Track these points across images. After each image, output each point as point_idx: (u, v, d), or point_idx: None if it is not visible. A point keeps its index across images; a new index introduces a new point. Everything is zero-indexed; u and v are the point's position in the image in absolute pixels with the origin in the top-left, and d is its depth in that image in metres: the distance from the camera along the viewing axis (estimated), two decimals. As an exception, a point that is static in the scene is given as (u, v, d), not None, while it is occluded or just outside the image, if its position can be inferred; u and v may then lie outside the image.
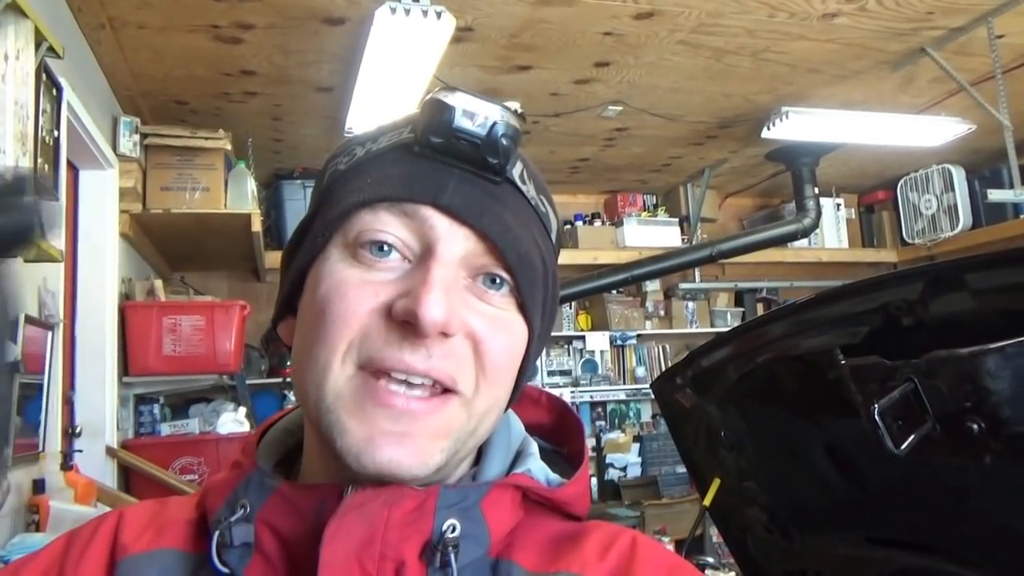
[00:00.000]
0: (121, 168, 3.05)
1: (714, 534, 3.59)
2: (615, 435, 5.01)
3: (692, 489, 4.07)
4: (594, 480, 4.91)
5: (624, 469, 4.90)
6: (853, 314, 1.00)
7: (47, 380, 2.15)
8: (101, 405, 2.84)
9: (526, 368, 0.52)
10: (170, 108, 3.37)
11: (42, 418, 2.11)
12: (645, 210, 5.19)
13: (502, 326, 0.49)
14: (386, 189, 0.48)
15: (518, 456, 0.54)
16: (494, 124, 0.47)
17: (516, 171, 0.51)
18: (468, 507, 0.47)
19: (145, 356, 3.04)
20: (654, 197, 5.30)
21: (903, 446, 0.83)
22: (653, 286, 5.17)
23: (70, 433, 2.68)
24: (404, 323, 0.45)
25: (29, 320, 2.00)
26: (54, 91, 2.16)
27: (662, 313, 5.20)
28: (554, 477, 0.54)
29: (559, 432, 0.59)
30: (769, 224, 4.71)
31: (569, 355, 5.09)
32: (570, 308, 5.04)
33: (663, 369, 5.04)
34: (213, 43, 2.78)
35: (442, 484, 0.48)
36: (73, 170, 2.86)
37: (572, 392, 4.93)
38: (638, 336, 5.12)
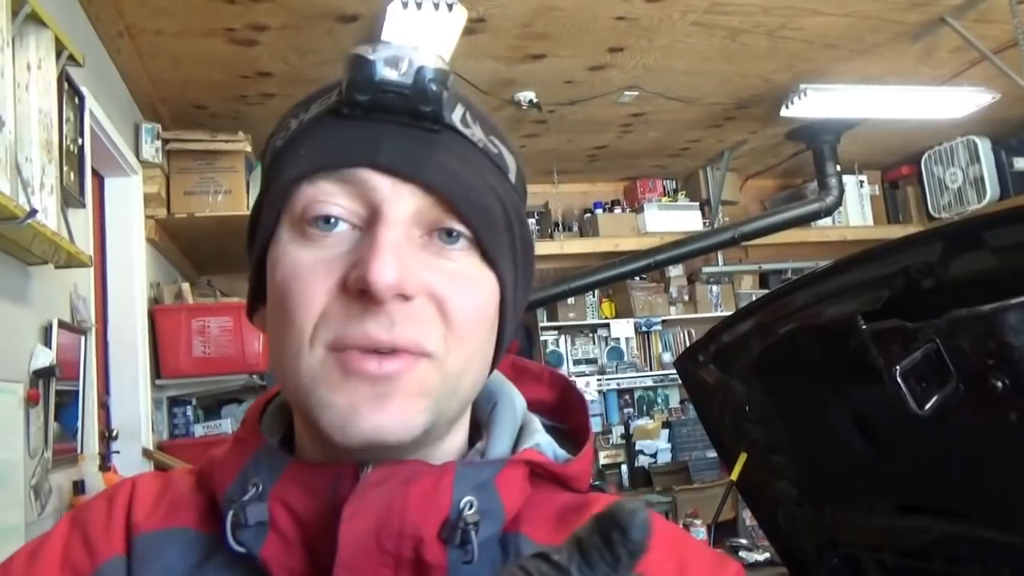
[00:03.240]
0: (145, 174, 3.10)
1: (747, 516, 3.57)
2: (644, 421, 5.01)
3: (723, 472, 4.06)
4: (624, 467, 4.91)
5: (654, 455, 4.89)
6: (873, 279, 0.99)
7: (83, 385, 2.20)
8: (135, 408, 2.90)
9: (505, 320, 0.50)
10: (190, 113, 3.41)
11: (79, 422, 2.16)
12: (665, 195, 5.16)
13: (465, 281, 0.47)
14: (320, 158, 0.46)
15: (522, 431, 0.54)
16: (420, 69, 0.44)
17: (456, 115, 0.48)
18: (484, 483, 0.46)
19: (176, 358, 3.09)
20: (674, 182, 5.27)
21: (927, 406, 0.83)
22: (676, 271, 5.15)
23: (107, 436, 2.73)
24: (360, 294, 0.43)
25: (63, 325, 2.05)
26: (76, 100, 2.21)
27: (686, 298, 5.17)
28: (561, 452, 0.53)
29: (561, 409, 0.58)
30: (791, 204, 4.66)
31: (594, 343, 5.09)
32: (593, 296, 5.04)
33: (689, 354, 5.02)
34: (229, 46, 2.81)
35: (457, 462, 0.48)
36: (99, 178, 2.91)
37: (599, 380, 4.93)
38: (663, 322, 5.10)
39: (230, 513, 0.46)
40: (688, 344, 5.13)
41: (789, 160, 4.96)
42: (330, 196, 0.45)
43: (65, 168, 2.06)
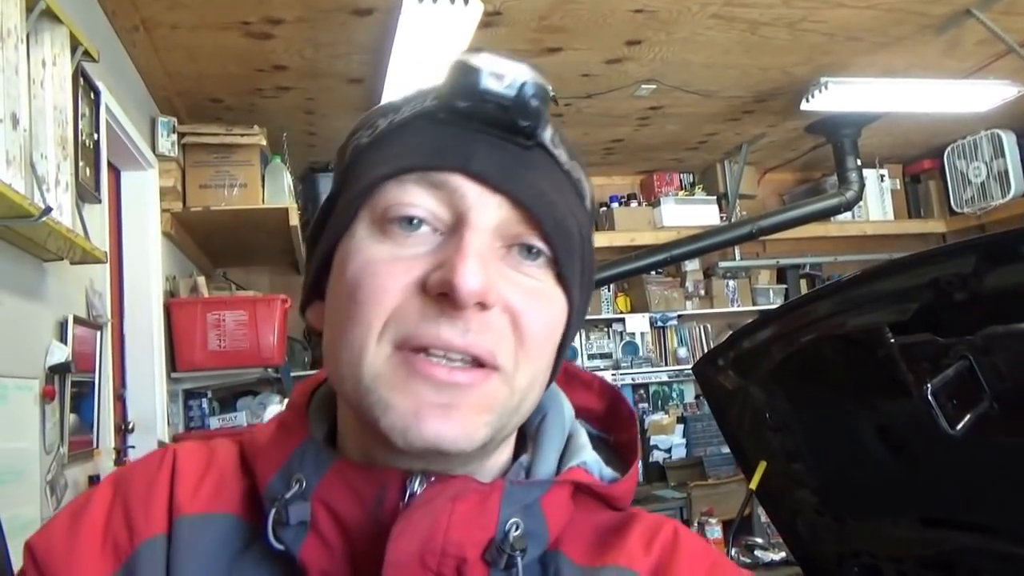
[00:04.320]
0: (161, 168, 3.10)
1: (762, 514, 3.54)
2: (658, 416, 4.98)
3: (738, 468, 4.03)
4: (639, 463, 4.88)
5: (669, 451, 4.87)
6: (902, 290, 0.96)
7: (98, 378, 2.21)
8: (151, 401, 2.91)
9: (566, 343, 0.50)
10: (205, 106, 3.41)
11: (95, 416, 2.16)
12: (682, 189, 5.12)
13: (541, 298, 0.46)
14: (412, 159, 0.45)
15: (568, 444, 0.52)
16: (523, 84, 0.44)
17: (547, 135, 0.48)
18: (530, 505, 0.46)
19: (191, 352, 3.10)
20: (691, 175, 5.22)
21: (959, 426, 0.80)
22: (693, 265, 5.10)
23: (123, 429, 2.75)
24: (440, 297, 0.43)
25: (78, 321, 2.05)
26: (92, 95, 2.20)
27: (703, 293, 5.13)
28: (607, 471, 0.52)
29: (608, 419, 0.57)
30: (811, 198, 4.60)
31: (609, 338, 5.06)
32: (608, 291, 5.00)
33: (705, 349, 4.99)
34: (244, 39, 2.80)
35: (507, 481, 0.47)
36: (115, 172, 2.92)
37: (613, 375, 4.90)
38: (679, 316, 5.06)
39: (272, 511, 0.45)
40: (703, 339, 5.10)
41: (808, 154, 4.90)
42: (416, 197, 0.45)
43: (81, 163, 2.06)
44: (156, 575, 0.46)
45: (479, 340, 0.43)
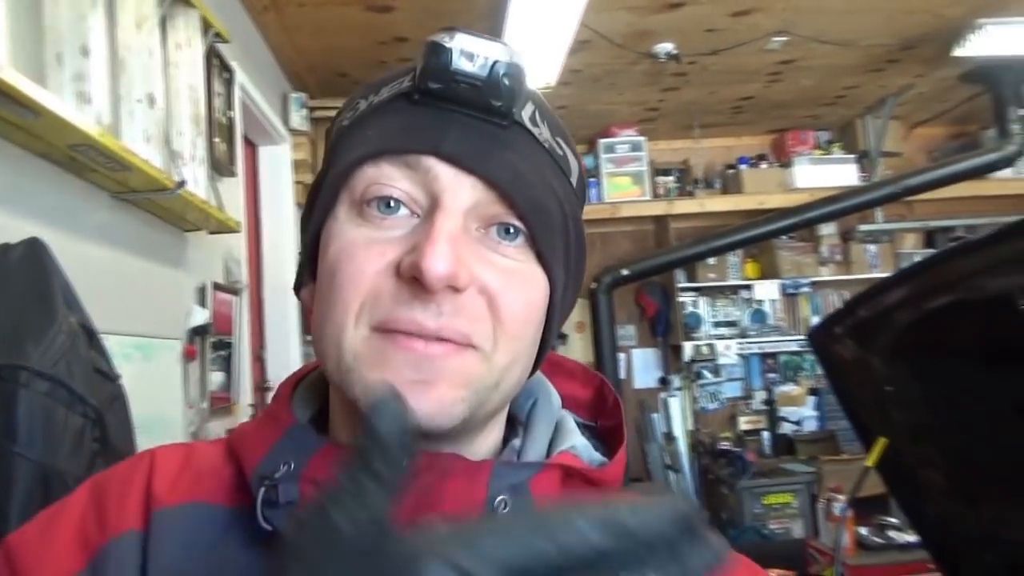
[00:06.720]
0: (294, 141, 3.28)
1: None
2: (788, 388, 4.78)
3: (875, 445, 3.81)
4: (766, 434, 4.72)
5: (799, 423, 4.67)
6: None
7: (237, 340, 2.38)
8: (288, 361, 3.11)
9: (552, 322, 0.49)
10: (333, 81, 3.54)
11: (234, 375, 2.34)
12: (818, 148, 4.82)
13: (518, 278, 0.46)
14: (386, 141, 0.46)
15: (556, 430, 0.52)
16: (495, 63, 0.44)
17: (526, 113, 0.47)
18: (518, 485, 0.46)
19: (324, 316, 3.26)
20: (828, 133, 4.90)
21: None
22: (828, 229, 4.81)
23: (262, 387, 2.96)
24: (412, 280, 0.43)
25: (217, 286, 2.21)
26: (226, 74, 2.34)
27: (839, 258, 4.83)
28: (596, 456, 0.51)
29: (594, 407, 0.57)
30: (965, 154, 4.19)
31: (736, 305, 4.89)
32: (736, 256, 4.82)
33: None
34: (366, 13, 2.88)
35: (495, 460, 0.47)
36: (251, 147, 3.10)
37: (739, 344, 4.74)
38: (812, 283, 4.80)
39: (262, 490, 0.46)
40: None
41: (963, 105, 4.47)
42: (392, 179, 0.45)
43: (216, 139, 2.20)
44: (126, 570, 0.46)
45: (452, 323, 0.44)
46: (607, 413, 0.56)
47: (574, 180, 0.51)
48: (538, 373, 0.54)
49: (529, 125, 0.47)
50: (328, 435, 0.51)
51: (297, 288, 0.53)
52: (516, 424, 0.53)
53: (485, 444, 0.50)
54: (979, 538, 1.29)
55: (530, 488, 0.46)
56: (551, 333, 0.50)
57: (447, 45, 0.44)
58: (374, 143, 0.46)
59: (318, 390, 0.55)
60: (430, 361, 0.44)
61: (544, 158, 0.48)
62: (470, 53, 0.44)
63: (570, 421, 0.53)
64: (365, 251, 0.45)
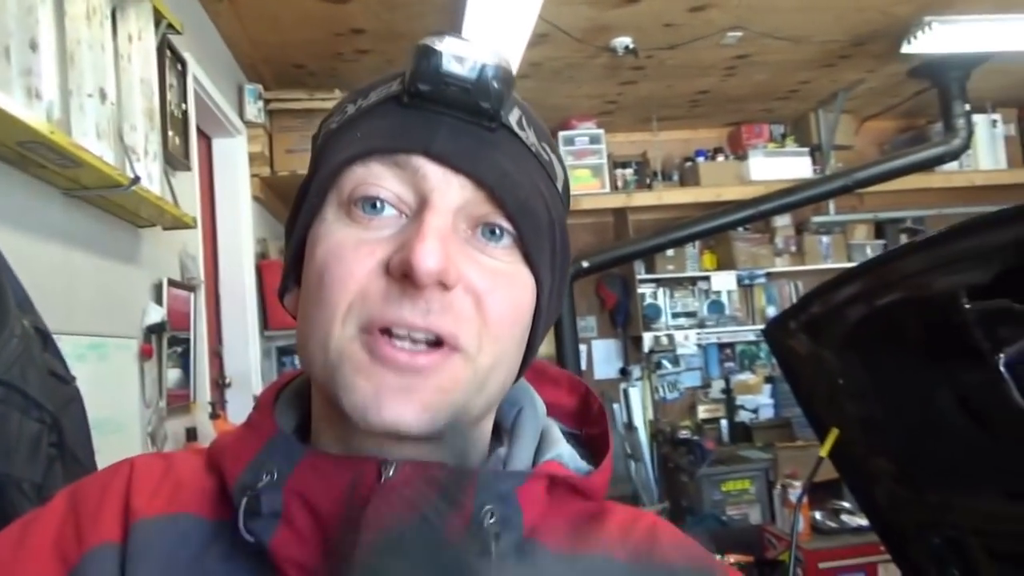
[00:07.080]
0: (249, 134, 3.22)
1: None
2: (745, 376, 4.88)
3: (828, 432, 3.91)
4: (724, 422, 4.82)
5: (755, 411, 4.78)
6: (984, 250, 0.89)
7: (193, 337, 2.34)
8: (246, 358, 3.07)
9: (538, 326, 0.50)
10: (289, 72, 3.49)
11: (191, 371, 2.30)
12: (772, 141, 4.90)
13: (505, 279, 0.47)
14: (375, 141, 0.46)
15: (542, 438, 0.53)
16: (483, 67, 0.45)
17: (513, 117, 0.48)
18: (505, 494, 0.46)
19: (283, 311, 3.20)
20: (782, 127, 4.99)
21: (1034, 399, 0.75)
22: (783, 221, 4.91)
23: (220, 384, 2.91)
24: (402, 278, 0.43)
25: (173, 283, 2.17)
26: (179, 66, 2.29)
27: (793, 249, 4.94)
28: (582, 464, 0.52)
29: (579, 415, 0.57)
30: (913, 148, 4.32)
31: (694, 296, 4.96)
32: (694, 247, 4.89)
33: (795, 308, 4.82)
34: (322, 4, 2.84)
35: (481, 469, 0.48)
36: (206, 139, 3.04)
37: (698, 334, 4.82)
38: (768, 274, 4.90)
39: (244, 500, 0.45)
40: (794, 298, 4.92)
41: (911, 100, 4.59)
42: (381, 179, 0.46)
43: (170, 133, 2.15)
44: None
45: (441, 320, 0.44)
46: (592, 421, 0.56)
47: (559, 185, 0.52)
48: (523, 381, 0.55)
49: (516, 129, 0.48)
50: (311, 444, 0.51)
51: (281, 295, 0.53)
52: (501, 433, 0.54)
53: (471, 452, 0.50)
54: (925, 522, 1.34)
55: (517, 496, 0.46)
56: (537, 338, 0.50)
57: (437, 48, 0.45)
58: (363, 143, 0.47)
59: (301, 398, 0.54)
60: (415, 371, 0.44)
61: (531, 162, 0.49)
62: (460, 56, 0.45)
63: (555, 430, 0.54)
64: (354, 251, 0.45)
